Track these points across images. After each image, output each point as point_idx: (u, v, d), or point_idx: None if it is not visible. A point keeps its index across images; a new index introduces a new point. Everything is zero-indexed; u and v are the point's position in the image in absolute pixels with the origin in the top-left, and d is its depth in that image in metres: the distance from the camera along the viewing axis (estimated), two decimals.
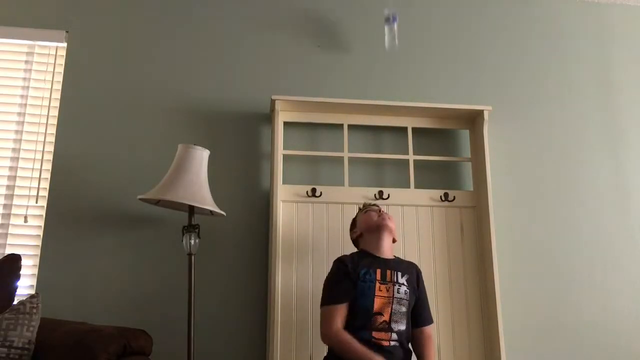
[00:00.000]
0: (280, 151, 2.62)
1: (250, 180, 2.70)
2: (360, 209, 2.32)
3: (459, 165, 2.87)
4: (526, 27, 3.14)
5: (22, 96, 2.74)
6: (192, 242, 2.30)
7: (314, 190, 2.61)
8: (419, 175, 2.77)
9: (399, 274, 2.11)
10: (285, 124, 2.72)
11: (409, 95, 2.89)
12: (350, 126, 2.77)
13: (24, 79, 2.76)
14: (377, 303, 2.02)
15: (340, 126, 2.77)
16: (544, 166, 2.92)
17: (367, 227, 2.20)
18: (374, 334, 1.98)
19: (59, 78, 2.75)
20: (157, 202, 2.41)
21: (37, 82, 2.76)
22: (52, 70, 2.77)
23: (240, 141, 2.74)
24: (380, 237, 2.17)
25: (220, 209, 2.35)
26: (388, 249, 2.18)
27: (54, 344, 1.85)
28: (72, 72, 2.74)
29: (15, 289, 2.15)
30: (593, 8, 3.23)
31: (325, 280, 2.13)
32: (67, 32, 2.79)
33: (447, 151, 2.87)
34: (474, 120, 2.82)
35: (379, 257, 2.14)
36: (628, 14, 3.26)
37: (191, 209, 2.33)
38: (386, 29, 2.77)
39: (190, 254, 2.31)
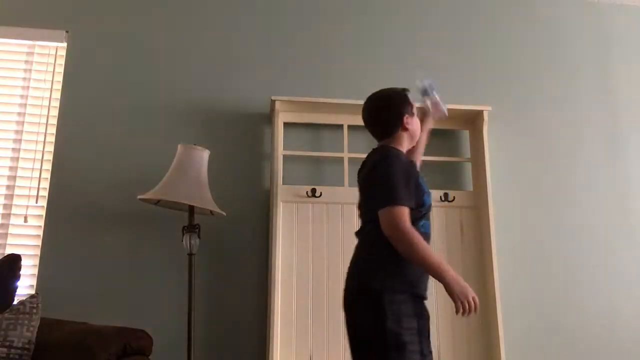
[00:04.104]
0: (280, 151, 2.62)
1: (250, 180, 2.70)
2: (406, 92, 1.99)
3: (459, 165, 2.87)
4: (526, 27, 3.14)
5: (22, 96, 2.74)
6: (192, 242, 2.31)
7: (314, 190, 2.61)
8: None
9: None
10: (286, 124, 2.72)
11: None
12: (350, 126, 2.77)
13: (24, 79, 2.76)
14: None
15: (340, 126, 2.77)
16: (544, 166, 2.92)
17: (414, 132, 1.94)
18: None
19: (59, 78, 2.75)
20: (157, 202, 2.41)
21: (37, 82, 2.76)
22: (52, 70, 2.77)
23: (240, 141, 2.74)
24: (406, 149, 1.93)
25: (220, 209, 2.35)
26: None
27: (54, 344, 1.85)
28: (72, 72, 2.74)
29: (15, 289, 2.15)
30: (593, 8, 3.23)
31: (390, 174, 1.76)
32: (67, 32, 2.79)
33: (447, 151, 2.87)
34: (473, 120, 2.82)
35: None
36: (628, 14, 3.26)
37: (191, 209, 2.33)
38: (428, 102, 2.18)
39: (190, 254, 2.31)
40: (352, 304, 1.73)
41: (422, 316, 1.72)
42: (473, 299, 1.66)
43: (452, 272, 1.70)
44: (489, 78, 3.02)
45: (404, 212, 1.69)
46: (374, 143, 2.84)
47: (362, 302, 1.70)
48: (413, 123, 1.93)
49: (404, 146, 1.93)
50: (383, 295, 1.65)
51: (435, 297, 2.55)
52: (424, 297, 1.77)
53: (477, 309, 1.66)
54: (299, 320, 2.45)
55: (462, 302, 1.65)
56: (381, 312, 1.63)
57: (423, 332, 1.69)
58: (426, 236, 1.81)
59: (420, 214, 1.81)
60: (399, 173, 1.77)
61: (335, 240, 2.56)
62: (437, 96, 2.14)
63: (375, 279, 1.70)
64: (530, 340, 2.66)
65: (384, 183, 1.75)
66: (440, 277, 1.68)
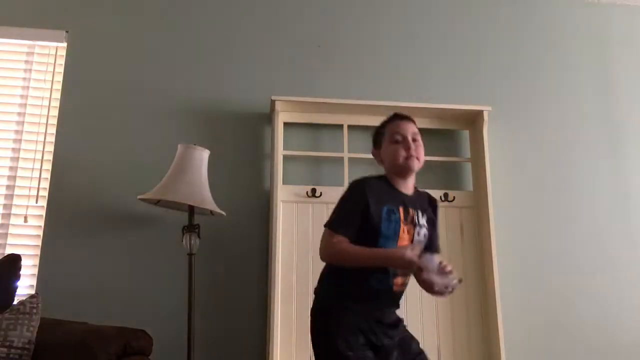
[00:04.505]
0: (280, 151, 2.62)
1: (250, 180, 2.70)
2: (388, 120, 1.93)
3: (459, 165, 2.87)
4: (526, 27, 3.14)
5: (22, 96, 2.74)
6: (192, 242, 2.31)
7: (314, 190, 2.61)
8: (419, 175, 2.73)
9: (420, 213, 1.84)
10: (286, 124, 2.72)
11: (409, 95, 2.89)
12: (350, 126, 2.77)
13: (24, 79, 2.76)
14: (398, 246, 1.75)
15: (340, 126, 2.77)
16: (544, 166, 2.92)
17: (392, 161, 1.86)
18: (394, 279, 1.76)
19: (59, 78, 2.75)
20: (157, 202, 2.41)
21: (37, 82, 2.76)
22: (52, 70, 2.77)
23: (240, 141, 2.74)
24: (404, 178, 1.87)
25: (220, 209, 2.35)
26: (410, 184, 1.90)
27: (54, 344, 1.85)
28: (72, 72, 2.74)
29: (15, 289, 2.15)
30: (593, 8, 3.23)
31: (340, 199, 1.82)
32: (67, 32, 2.79)
33: (447, 151, 2.87)
34: (473, 120, 2.82)
35: (401, 192, 1.85)
36: (628, 14, 3.26)
37: (191, 209, 2.33)
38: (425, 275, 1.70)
39: (190, 254, 2.31)
40: (311, 324, 1.77)
41: (373, 332, 1.70)
42: (417, 261, 1.63)
43: (386, 254, 1.72)
44: (489, 78, 3.02)
45: (337, 240, 1.73)
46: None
47: (316, 322, 1.76)
48: (379, 155, 1.93)
49: (390, 175, 1.89)
50: (331, 314, 1.71)
51: (435, 298, 2.55)
52: (374, 316, 1.73)
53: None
54: (299, 320, 2.45)
55: (415, 272, 1.67)
56: (331, 331, 1.67)
57: (378, 349, 1.68)
58: (378, 292, 1.76)
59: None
60: (346, 201, 1.80)
61: None
62: (436, 277, 1.66)
63: (325, 300, 1.77)
64: (531, 340, 2.66)
65: (334, 209, 1.82)
66: (383, 265, 1.72)
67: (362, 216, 1.75)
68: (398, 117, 1.93)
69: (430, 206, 1.93)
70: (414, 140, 1.87)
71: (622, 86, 3.12)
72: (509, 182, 2.85)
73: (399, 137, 1.86)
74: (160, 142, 2.66)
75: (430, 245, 1.87)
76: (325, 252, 1.76)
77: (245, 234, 2.62)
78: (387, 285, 1.75)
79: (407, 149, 1.84)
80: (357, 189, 1.80)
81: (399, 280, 1.77)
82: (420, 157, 1.87)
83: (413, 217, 1.81)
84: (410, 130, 1.89)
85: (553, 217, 2.85)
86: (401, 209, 1.80)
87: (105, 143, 2.66)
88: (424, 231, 1.83)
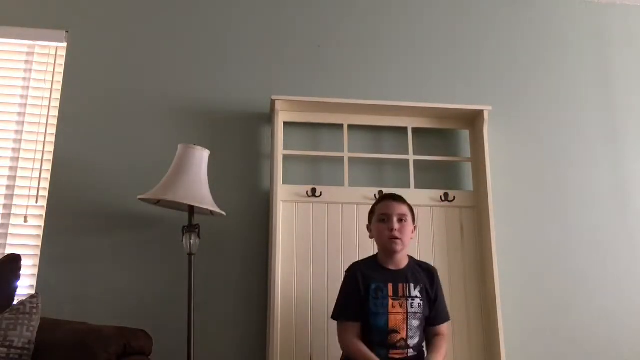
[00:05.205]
0: (280, 151, 2.62)
1: (250, 180, 2.70)
2: (379, 199, 2.16)
3: (459, 165, 2.87)
4: (526, 27, 3.14)
5: (22, 96, 2.74)
6: (192, 242, 2.30)
7: (314, 190, 2.61)
8: (419, 175, 2.77)
9: (412, 286, 2.00)
10: (285, 124, 2.72)
11: (409, 95, 2.89)
12: (350, 126, 2.77)
13: (24, 79, 2.76)
14: (392, 321, 1.94)
15: (340, 126, 2.77)
16: (544, 166, 2.92)
17: (377, 240, 2.08)
18: (392, 352, 1.93)
19: (59, 78, 2.75)
20: (157, 202, 2.41)
21: (37, 82, 2.76)
22: (52, 70, 2.77)
23: (240, 141, 2.74)
24: (390, 256, 2.05)
25: (220, 209, 2.35)
26: (400, 260, 2.06)
27: (54, 344, 1.85)
28: (72, 72, 2.74)
29: (15, 289, 2.15)
30: (593, 8, 3.23)
31: (340, 290, 2.08)
32: (67, 32, 2.79)
33: (447, 151, 2.87)
34: (474, 120, 2.82)
35: (390, 270, 2.03)
36: (628, 14, 3.26)
37: (191, 209, 2.33)
38: None
39: (190, 254, 2.31)
40: None
41: None
42: None
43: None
44: (489, 78, 3.01)
45: (343, 329, 1.99)
46: (373, 143, 2.86)
47: None
48: (372, 231, 2.11)
49: (380, 252, 2.09)
50: None
51: None
52: None
53: None
54: (299, 321, 2.45)
55: None
56: None
57: None
58: None
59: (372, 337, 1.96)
60: (343, 289, 2.05)
61: (335, 240, 2.56)
62: None
63: None
64: (531, 341, 2.66)
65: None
66: None
67: (358, 296, 1.96)
68: (387, 198, 2.11)
69: (428, 277, 2.08)
70: (400, 220, 2.03)
71: (622, 86, 3.12)
72: (509, 182, 2.85)
73: (384, 217, 2.04)
74: (160, 142, 2.67)
75: (436, 317, 2.05)
76: (340, 344, 2.00)
77: (245, 234, 2.62)
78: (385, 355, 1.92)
79: (390, 229, 2.00)
80: (350, 276, 2.04)
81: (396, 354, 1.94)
82: (404, 237, 2.02)
83: (404, 291, 1.98)
84: (397, 211, 2.04)
85: (553, 217, 2.85)
86: (390, 285, 1.98)
87: (105, 143, 2.66)
88: (417, 302, 1.99)
